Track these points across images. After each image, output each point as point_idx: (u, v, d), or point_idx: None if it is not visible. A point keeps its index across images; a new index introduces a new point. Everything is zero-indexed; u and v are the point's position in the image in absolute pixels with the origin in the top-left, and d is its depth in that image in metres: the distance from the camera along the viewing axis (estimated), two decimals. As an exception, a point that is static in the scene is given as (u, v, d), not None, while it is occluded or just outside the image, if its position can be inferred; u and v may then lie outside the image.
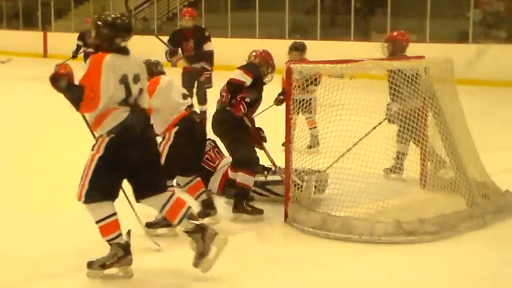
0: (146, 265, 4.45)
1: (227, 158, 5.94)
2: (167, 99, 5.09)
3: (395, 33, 7.11)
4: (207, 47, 8.96)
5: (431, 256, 4.70)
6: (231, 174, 5.67)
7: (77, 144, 5.88)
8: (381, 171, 6.17)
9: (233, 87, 5.33)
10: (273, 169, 6.02)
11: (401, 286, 4.24)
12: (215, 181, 6.08)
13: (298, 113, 7.68)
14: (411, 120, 5.68)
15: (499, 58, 13.15)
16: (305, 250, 4.87)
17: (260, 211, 5.44)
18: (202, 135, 5.39)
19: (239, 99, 5.33)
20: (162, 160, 4.90)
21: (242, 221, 5.37)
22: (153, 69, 5.22)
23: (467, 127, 5.85)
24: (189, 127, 5.12)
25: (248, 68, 5.44)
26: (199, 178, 5.29)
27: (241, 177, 5.41)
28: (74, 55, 12.95)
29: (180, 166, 5.12)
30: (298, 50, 7.48)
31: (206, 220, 4.98)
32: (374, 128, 6.10)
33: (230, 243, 4.90)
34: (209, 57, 8.98)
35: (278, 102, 6.92)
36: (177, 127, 5.08)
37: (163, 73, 5.31)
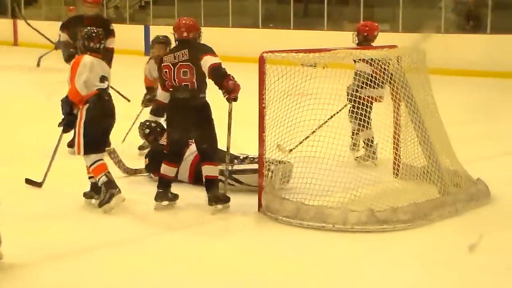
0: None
1: (193, 146, 5.85)
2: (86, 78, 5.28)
3: (360, 24, 7.38)
4: (110, 43, 7.23)
5: (404, 244, 4.74)
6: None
7: (44, 133, 5.85)
8: (354, 160, 6.23)
9: (220, 70, 5.17)
10: (241, 157, 6.01)
11: (375, 275, 4.26)
12: (184, 171, 5.99)
13: None
14: (360, 106, 5.80)
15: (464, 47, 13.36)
16: (279, 239, 4.87)
17: (228, 199, 5.38)
18: (111, 113, 5.49)
19: (231, 78, 5.16)
20: (81, 138, 5.28)
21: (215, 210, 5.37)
22: (86, 44, 5.41)
23: (440, 116, 5.88)
24: (98, 104, 5.31)
25: (212, 50, 5.27)
26: (103, 161, 5.39)
27: (210, 170, 5.35)
28: (58, 46, 11.76)
29: (95, 141, 5.33)
30: (161, 43, 7.33)
31: (90, 201, 5.46)
32: (337, 112, 6.13)
33: (205, 232, 4.93)
34: (109, 54, 7.11)
35: (147, 102, 7.17)
36: (87, 104, 5.28)
37: (95, 50, 5.39)
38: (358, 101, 5.84)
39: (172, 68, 5.25)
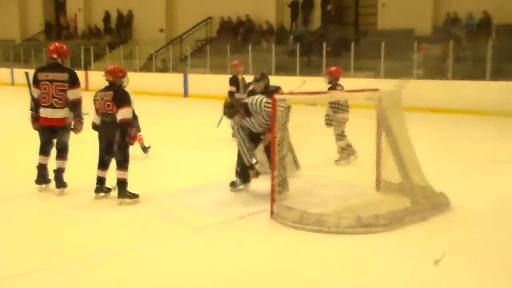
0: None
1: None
2: None
3: (331, 68, 7.93)
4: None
5: (384, 243, 4.70)
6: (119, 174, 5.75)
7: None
8: (347, 178, 6.19)
9: (130, 124, 5.71)
10: None
11: (362, 267, 4.24)
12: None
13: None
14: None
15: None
16: (286, 239, 4.84)
17: (137, 195, 5.73)
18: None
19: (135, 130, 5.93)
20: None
21: (232, 216, 5.34)
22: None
23: (412, 144, 5.83)
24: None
25: (128, 101, 5.72)
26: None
27: (123, 174, 5.70)
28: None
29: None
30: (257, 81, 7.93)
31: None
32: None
33: (226, 236, 4.86)
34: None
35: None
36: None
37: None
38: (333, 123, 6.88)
39: (101, 101, 5.72)
